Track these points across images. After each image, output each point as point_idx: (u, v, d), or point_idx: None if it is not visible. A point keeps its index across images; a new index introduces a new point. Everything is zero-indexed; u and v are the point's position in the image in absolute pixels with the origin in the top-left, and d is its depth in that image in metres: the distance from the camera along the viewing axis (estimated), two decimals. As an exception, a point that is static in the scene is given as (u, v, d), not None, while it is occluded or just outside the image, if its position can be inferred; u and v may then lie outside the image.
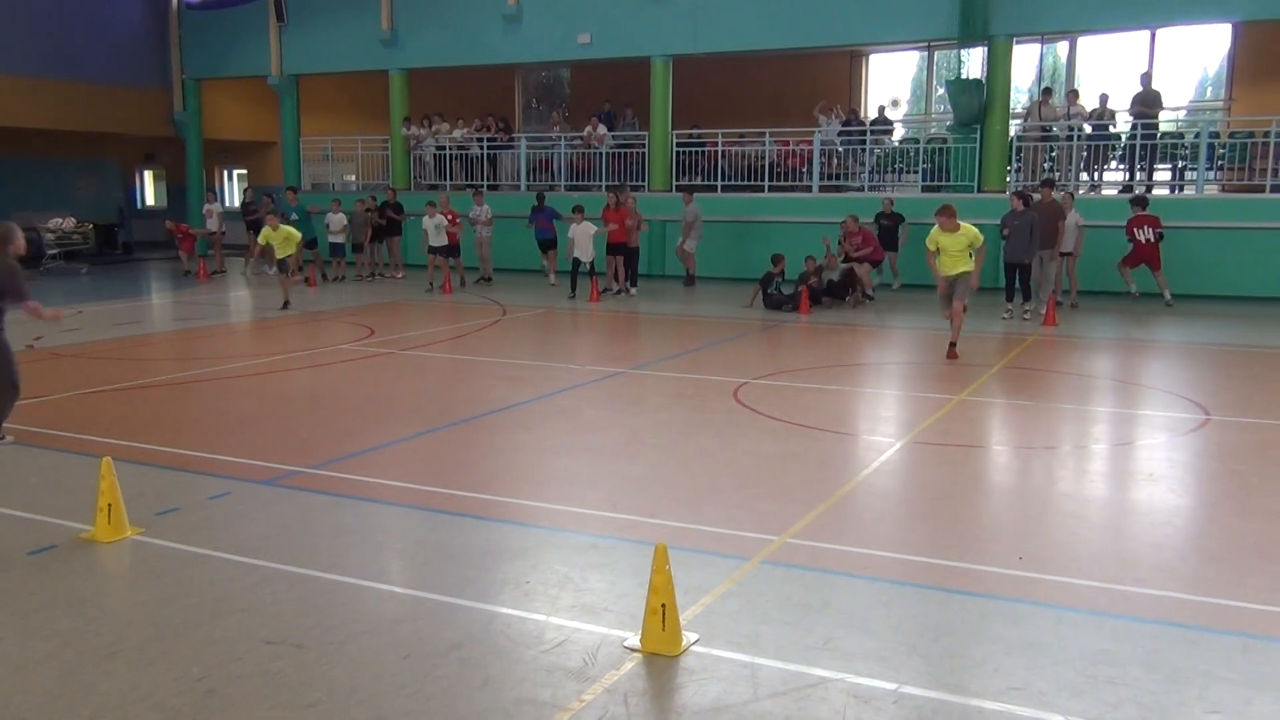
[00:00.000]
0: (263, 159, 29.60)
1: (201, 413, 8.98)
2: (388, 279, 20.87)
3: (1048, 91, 20.01)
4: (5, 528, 5.83)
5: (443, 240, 18.78)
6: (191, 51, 26.50)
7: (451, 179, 23.56)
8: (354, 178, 26.18)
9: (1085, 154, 19.41)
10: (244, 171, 31.10)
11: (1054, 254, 15.31)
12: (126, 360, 11.49)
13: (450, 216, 19.01)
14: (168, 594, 4.90)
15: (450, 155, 23.79)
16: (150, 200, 31.12)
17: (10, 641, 4.38)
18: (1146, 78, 19.16)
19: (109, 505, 5.54)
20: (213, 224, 22.34)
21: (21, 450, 7.55)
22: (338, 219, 20.39)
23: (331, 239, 20.51)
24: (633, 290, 17.85)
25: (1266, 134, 17.68)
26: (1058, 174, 19.05)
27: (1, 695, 3.92)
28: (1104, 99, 19.26)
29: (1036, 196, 15.66)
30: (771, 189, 20.58)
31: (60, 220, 23.57)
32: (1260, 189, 17.55)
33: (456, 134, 23.87)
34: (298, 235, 17.16)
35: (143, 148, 28.86)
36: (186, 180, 26.97)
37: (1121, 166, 19.44)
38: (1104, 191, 19.45)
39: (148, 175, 30.84)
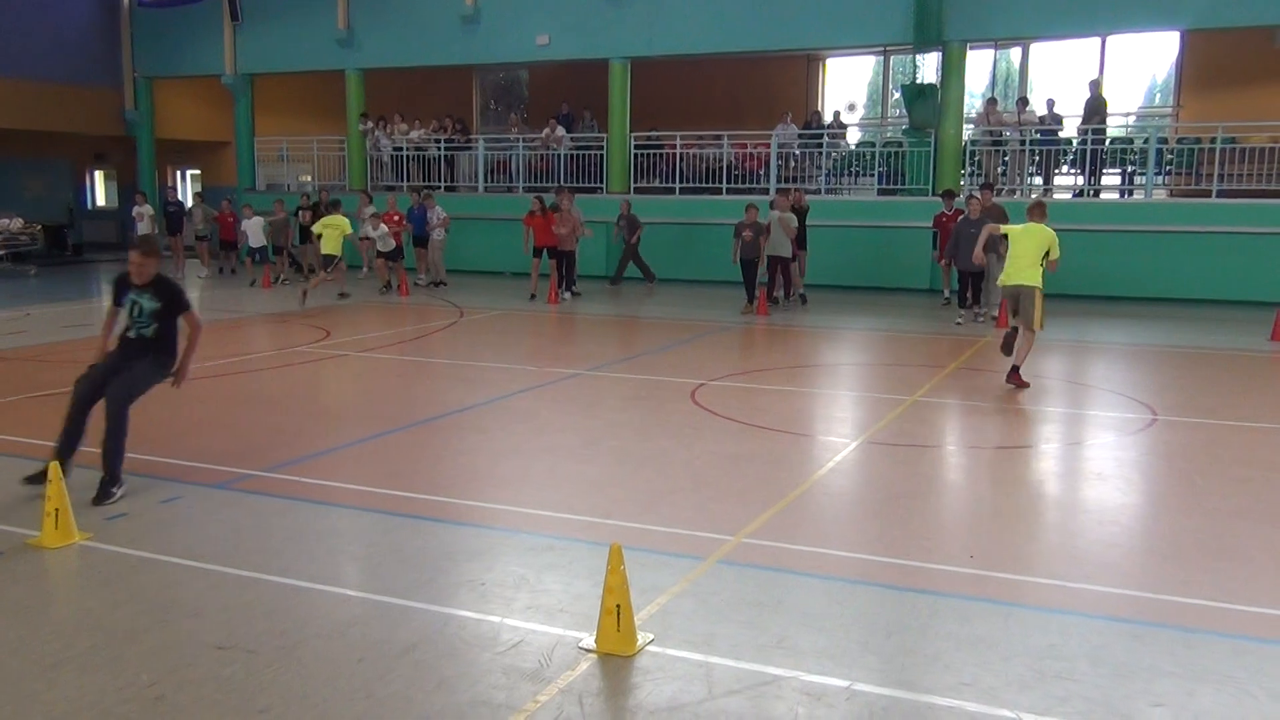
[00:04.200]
0: (217, 159, 29.24)
1: (152, 416, 8.83)
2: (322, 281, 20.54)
3: (992, 101, 20.29)
4: (-52, 534, 5.71)
5: (391, 244, 18.64)
6: (143, 49, 26.12)
7: (409, 180, 23.41)
8: (310, 178, 25.94)
9: (1038, 159, 19.71)
10: (197, 171, 30.70)
11: (1001, 256, 15.39)
12: (75, 363, 11.24)
13: (396, 218, 18.89)
14: (116, 600, 4.83)
15: (407, 156, 23.65)
16: (101, 201, 30.63)
17: (-47, 649, 4.30)
18: (1095, 84, 19.51)
19: (56, 510, 5.45)
20: (143, 226, 21.80)
21: (-34, 455, 7.41)
22: (252, 224, 20.13)
23: (252, 243, 20.27)
24: (567, 295, 17.67)
25: (1213, 140, 18.06)
26: (1004, 178, 19.33)
27: (-57, 704, 3.85)
28: (1050, 104, 19.56)
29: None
30: (729, 191, 20.68)
31: (8, 221, 23.09)
32: (1207, 194, 17.91)
33: (414, 135, 23.73)
34: (347, 227, 17.44)
35: (93, 147, 28.39)
36: (138, 180, 26.57)
37: (1073, 171, 19.76)
38: (1055, 196, 19.75)
39: (98, 175, 30.34)
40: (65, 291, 19.09)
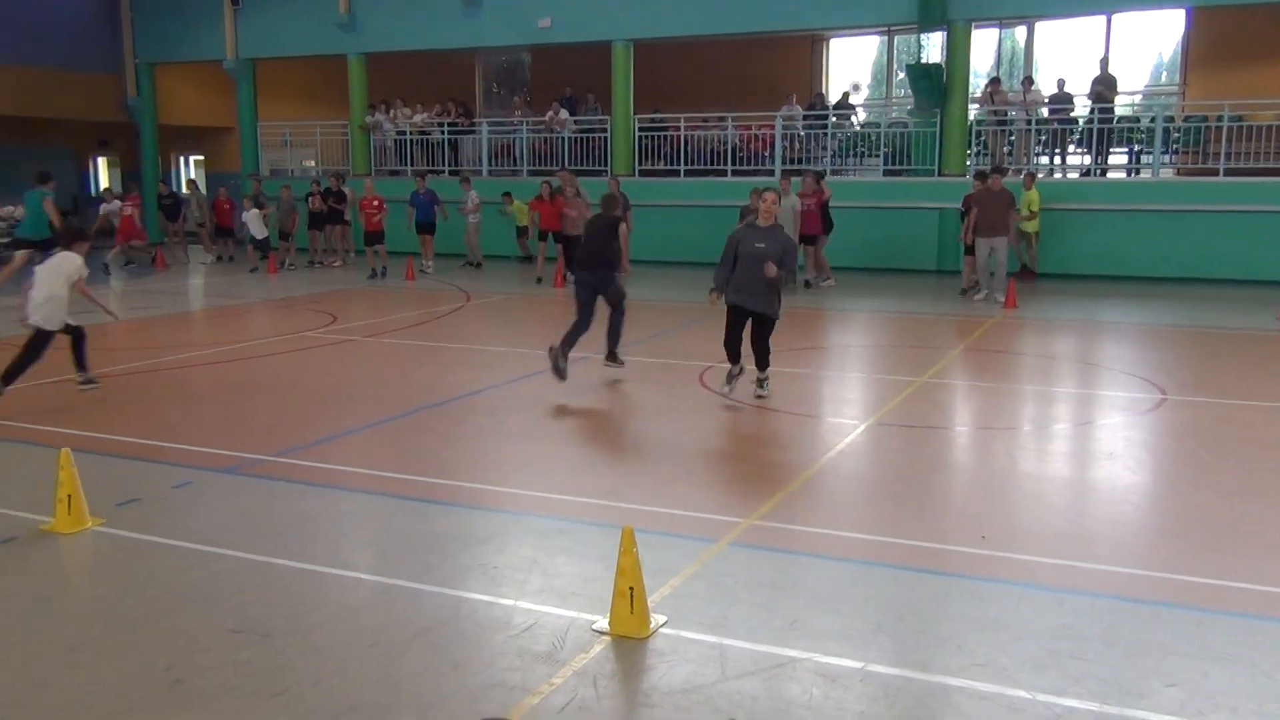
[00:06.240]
0: (220, 144, 29.15)
1: (162, 402, 8.87)
2: (326, 267, 20.51)
3: (995, 81, 20.20)
4: (-39, 520, 5.73)
5: (263, 232, 19.42)
6: (144, 35, 26.01)
7: (412, 164, 23.36)
8: (313, 163, 25.88)
9: (1044, 138, 19.61)
10: (200, 157, 30.62)
11: (1012, 239, 15.30)
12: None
13: (375, 203, 18.87)
14: (130, 585, 4.85)
15: (411, 140, 23.58)
16: (105, 187, 30.53)
17: (-31, 635, 4.32)
18: (1104, 62, 19.41)
19: (69, 496, 5.47)
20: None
21: (-24, 442, 7.43)
22: (252, 215, 20.10)
23: (254, 234, 20.22)
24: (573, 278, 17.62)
25: (1219, 118, 17.95)
26: (1010, 158, 19.26)
27: (-39, 689, 3.87)
28: (1061, 84, 19.45)
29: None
30: (734, 173, 20.61)
31: (12, 208, 23.04)
32: (1214, 172, 17.82)
33: (417, 119, 23.66)
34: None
35: (96, 134, 28.31)
36: (141, 167, 26.53)
37: (1080, 150, 19.66)
38: (1069, 175, 19.66)
39: (101, 162, 30.27)
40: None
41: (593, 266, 9.55)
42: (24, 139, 26.02)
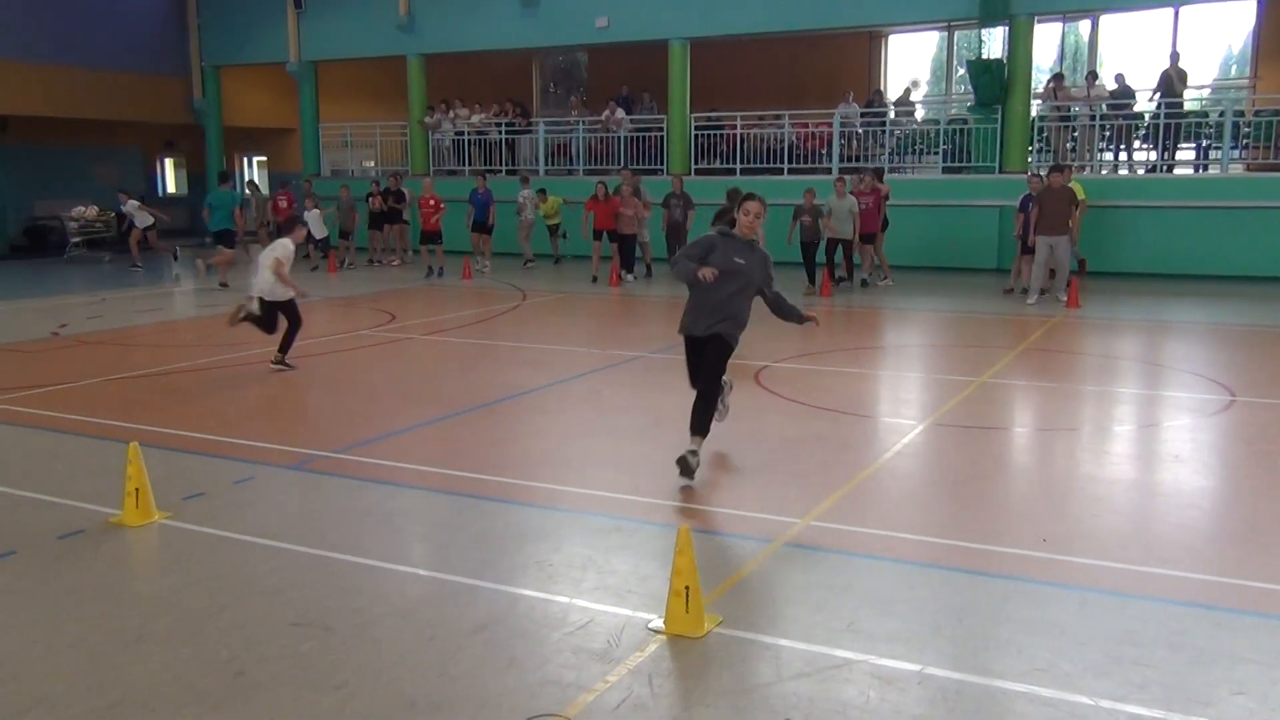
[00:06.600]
0: (282, 145, 29.69)
1: (225, 398, 9.04)
2: (385, 266, 20.71)
3: (1059, 77, 19.83)
4: (35, 512, 5.90)
5: (323, 231, 19.83)
6: (210, 38, 26.59)
7: (469, 164, 23.57)
8: (373, 164, 26.24)
9: (1108, 133, 19.23)
10: (264, 158, 31.19)
11: (1074, 239, 15.03)
12: (150, 346, 11.58)
13: (432, 202, 19.02)
14: (195, 577, 4.95)
15: (469, 140, 23.80)
16: (171, 188, 31.25)
17: (41, 624, 4.44)
18: (1175, 55, 18.98)
19: (136, 490, 5.60)
20: (143, 219, 21.17)
21: (50, 436, 7.64)
22: (312, 215, 20.33)
23: (315, 234, 20.45)
24: (629, 277, 17.72)
25: (1293, 112, 17.47)
26: (1074, 154, 18.90)
27: (33, 678, 3.97)
28: (1120, 79, 19.05)
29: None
30: (790, 171, 20.49)
31: (84, 208, 23.69)
32: (1286, 168, 17.36)
33: (475, 119, 23.87)
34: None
35: (163, 135, 28.98)
36: (207, 168, 27.08)
37: (1145, 146, 19.24)
38: (1137, 171, 19.26)
39: (168, 163, 30.97)
40: (138, 277, 19.53)
41: None
42: (95, 140, 26.74)
